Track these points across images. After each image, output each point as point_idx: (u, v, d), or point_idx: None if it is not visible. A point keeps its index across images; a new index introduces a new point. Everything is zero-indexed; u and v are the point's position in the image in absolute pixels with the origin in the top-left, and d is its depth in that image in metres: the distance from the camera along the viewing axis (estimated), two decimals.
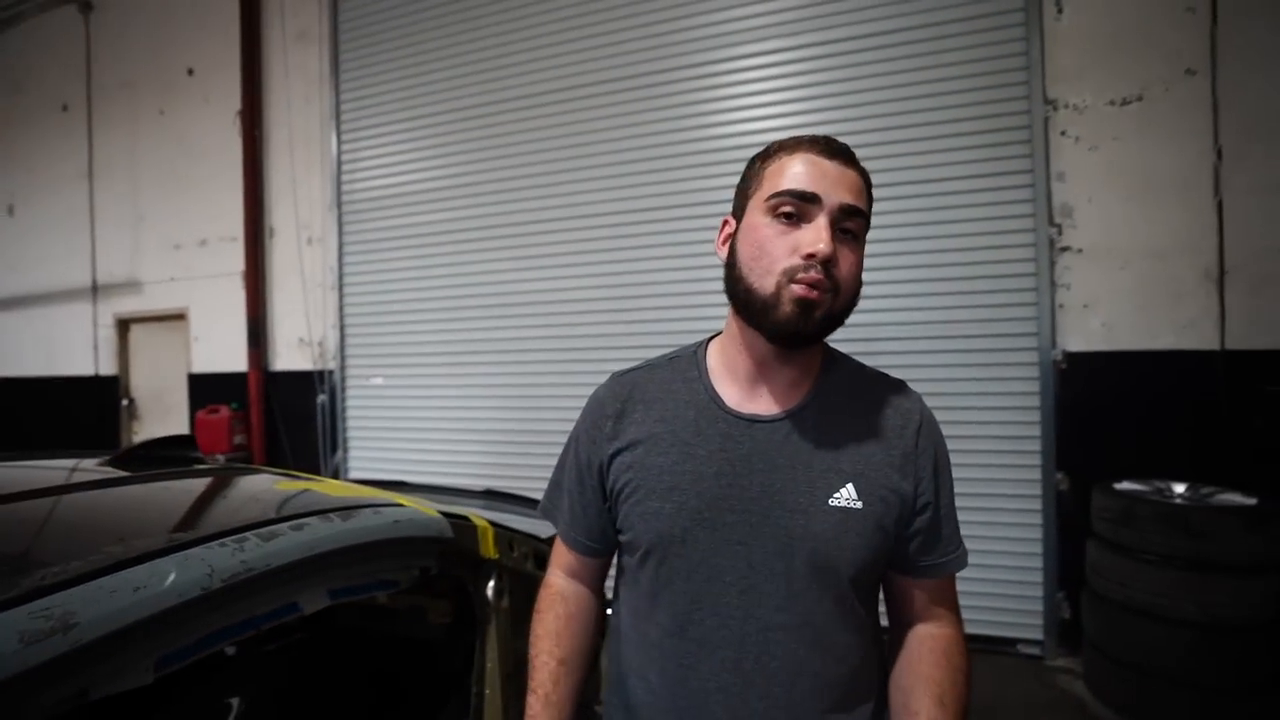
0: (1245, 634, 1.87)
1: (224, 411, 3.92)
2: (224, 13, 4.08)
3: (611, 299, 3.05)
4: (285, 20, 3.91)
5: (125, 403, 4.71)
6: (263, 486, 0.99)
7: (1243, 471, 2.18)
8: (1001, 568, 2.51)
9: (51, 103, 4.92)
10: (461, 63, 3.42)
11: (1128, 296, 2.39)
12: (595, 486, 0.77)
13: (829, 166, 0.66)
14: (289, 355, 3.98)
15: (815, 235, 0.64)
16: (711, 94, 2.93)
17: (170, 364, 4.54)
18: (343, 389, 3.77)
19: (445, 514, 1.12)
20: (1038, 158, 2.45)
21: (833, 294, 0.65)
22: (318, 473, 3.76)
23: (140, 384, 4.76)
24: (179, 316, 4.42)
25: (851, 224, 0.66)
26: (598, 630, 0.84)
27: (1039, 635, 2.50)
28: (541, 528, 1.86)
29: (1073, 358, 2.44)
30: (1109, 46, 2.39)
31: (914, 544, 0.70)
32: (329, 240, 3.79)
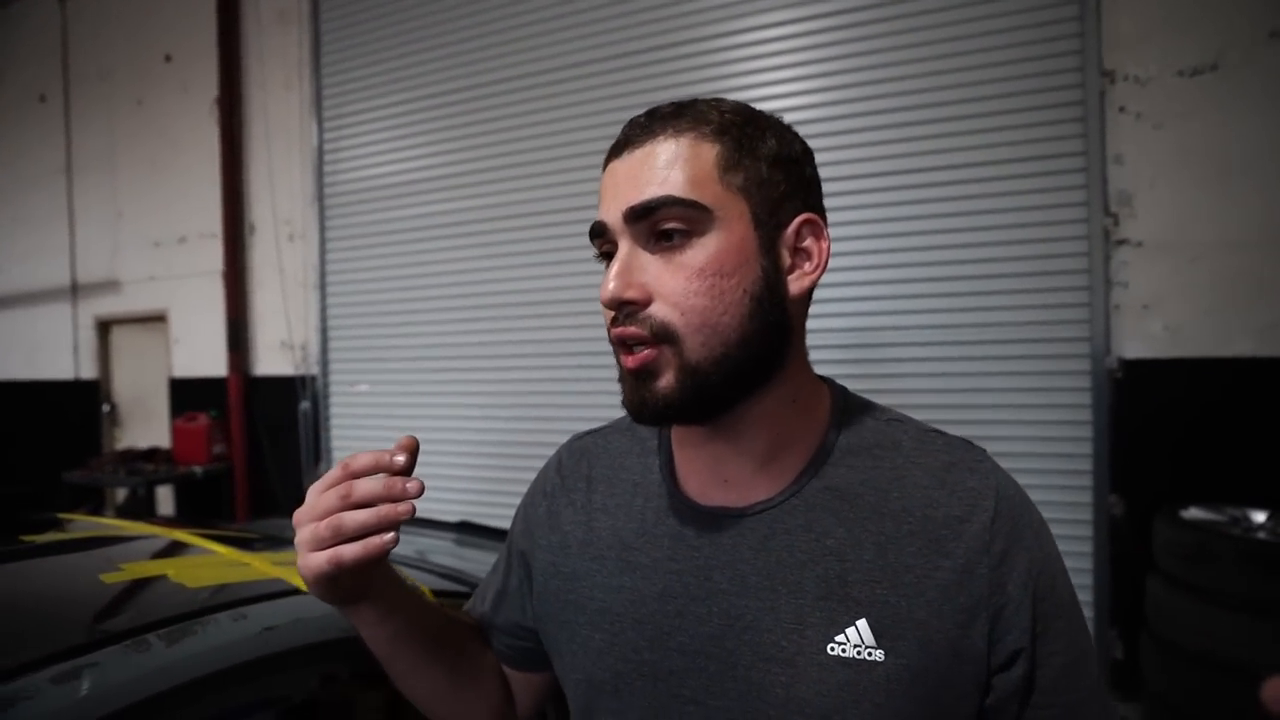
0: None
1: (202, 419, 3.70)
2: None
3: None
4: (261, 1, 3.66)
5: (106, 409, 4.51)
6: (84, 577, 0.73)
7: None
8: None
9: (29, 95, 4.71)
10: (453, 41, 3.16)
11: (1196, 296, 2.09)
12: (521, 580, 0.58)
13: (619, 167, 0.45)
14: (270, 359, 3.75)
15: (606, 278, 0.44)
16: (723, 69, 2.64)
17: (151, 368, 4.33)
18: (326, 396, 3.54)
19: None
20: (1092, 138, 2.14)
21: (669, 343, 0.43)
22: (300, 486, 3.54)
23: (122, 388, 4.56)
24: (159, 318, 4.20)
25: (663, 224, 0.43)
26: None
27: None
28: None
29: (1130, 366, 2.15)
30: (1177, 7, 2.08)
31: None
32: (310, 236, 3.55)
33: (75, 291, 4.54)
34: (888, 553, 0.44)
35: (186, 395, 4.04)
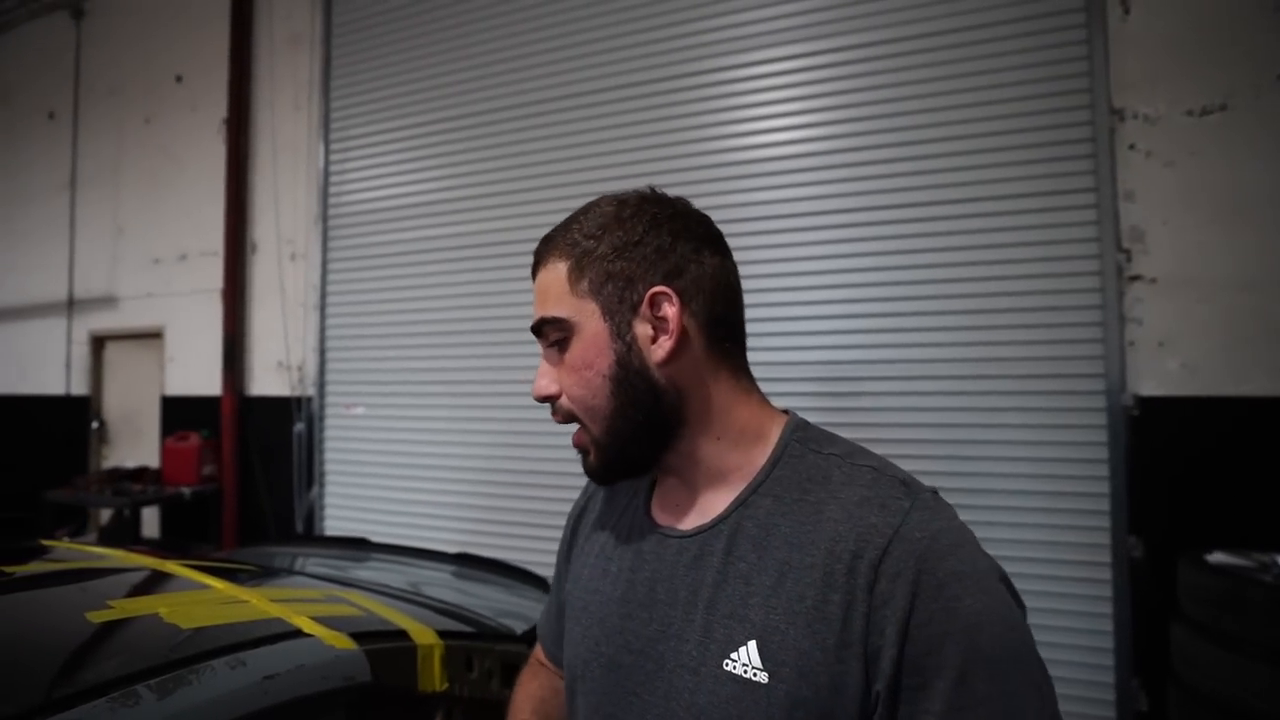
0: None
1: (193, 439, 3.61)
2: (216, 16, 3.87)
3: None
4: (276, 22, 3.70)
5: (95, 425, 4.42)
6: (70, 615, 0.67)
7: None
8: (1065, 646, 2.15)
9: (38, 111, 4.72)
10: (460, 69, 3.18)
11: (1211, 334, 2.07)
12: (563, 593, 0.68)
13: (535, 286, 0.58)
14: (266, 379, 3.68)
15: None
16: (730, 102, 2.65)
17: (144, 385, 4.26)
18: (321, 418, 3.47)
19: (373, 633, 0.80)
20: (1103, 174, 2.15)
21: (580, 424, 0.55)
22: (291, 511, 3.44)
23: (112, 405, 4.47)
24: (155, 335, 4.14)
25: (549, 336, 0.55)
26: None
27: None
28: (523, 605, 1.52)
29: (1146, 403, 2.11)
30: (1185, 49, 2.11)
31: None
32: (313, 256, 3.52)
33: (71, 306, 4.48)
34: (786, 581, 0.47)
35: (178, 414, 3.96)
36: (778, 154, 2.57)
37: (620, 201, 0.55)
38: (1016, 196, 2.23)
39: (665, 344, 0.52)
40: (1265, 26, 2.02)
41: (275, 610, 0.77)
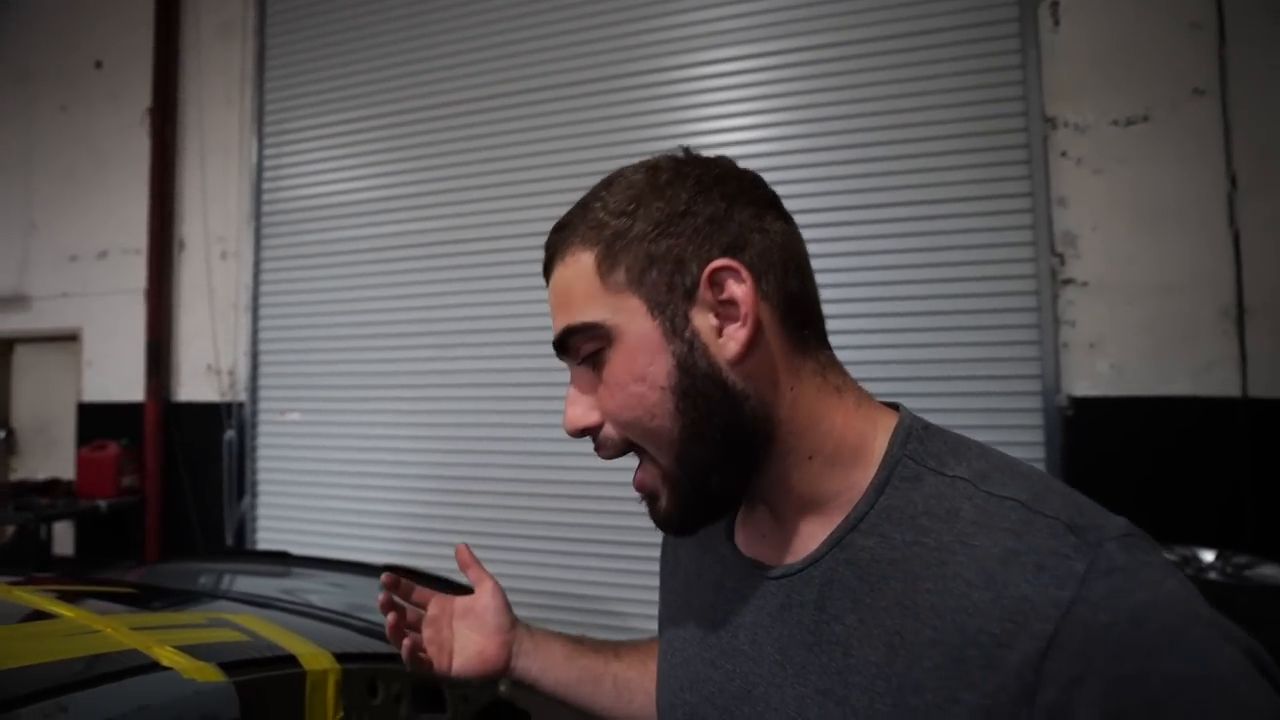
0: None
1: (111, 448, 3.37)
2: None
3: None
4: (205, 13, 3.51)
5: (2, 435, 4.08)
6: None
7: (1274, 536, 1.91)
8: None
9: None
10: (401, 61, 3.07)
11: (1138, 336, 2.14)
12: None
13: (549, 295, 0.46)
14: (194, 385, 3.47)
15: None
16: (676, 101, 2.63)
17: (58, 391, 3.96)
18: (254, 425, 3.28)
19: (250, 661, 0.72)
20: (1037, 180, 2.21)
21: (647, 456, 0.43)
22: (220, 523, 3.24)
23: (22, 413, 4.14)
24: (71, 337, 3.86)
25: (579, 351, 0.43)
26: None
27: None
28: None
29: (1079, 403, 2.17)
30: (1110, 62, 2.18)
31: None
32: (244, 255, 3.34)
33: None
34: (898, 660, 0.35)
35: (97, 422, 3.68)
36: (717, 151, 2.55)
37: (651, 168, 0.43)
38: (954, 200, 2.27)
39: (738, 335, 0.40)
40: (1182, 42, 2.11)
41: (132, 641, 0.68)
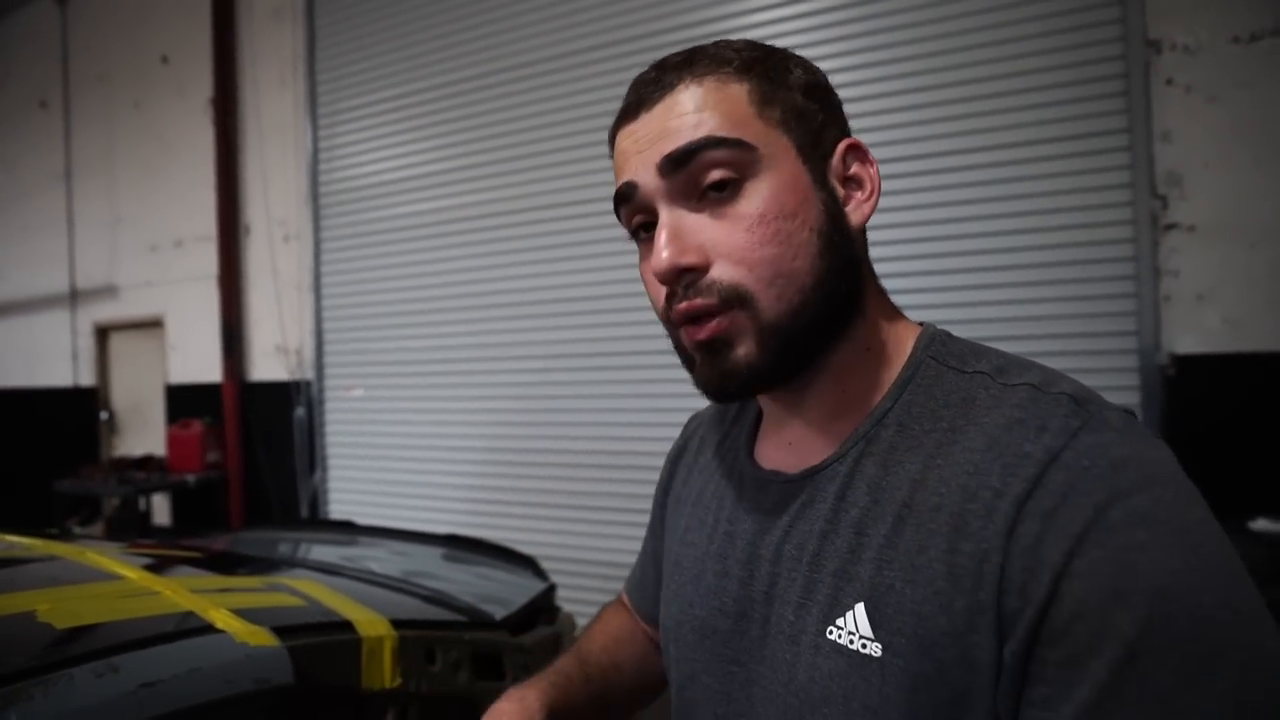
0: None
1: (196, 426, 3.59)
2: None
3: (637, 297, 2.60)
4: None
5: (105, 416, 4.42)
6: None
7: None
8: None
9: (29, 100, 4.66)
10: (449, 34, 3.04)
11: (1258, 285, 1.89)
12: (660, 541, 0.60)
13: (637, 129, 0.41)
14: (265, 364, 3.63)
15: (656, 248, 0.40)
16: None
17: (149, 374, 4.24)
18: (321, 402, 3.41)
19: (306, 626, 0.71)
20: (1136, 113, 1.96)
21: (741, 307, 0.39)
22: (295, 496, 3.40)
23: (120, 395, 4.47)
24: (156, 323, 4.11)
25: (707, 172, 0.39)
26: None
27: None
28: (508, 589, 1.43)
29: (1184, 362, 1.95)
30: None
31: None
32: (305, 237, 3.43)
33: (74, 298, 4.47)
34: (905, 527, 0.36)
35: (183, 402, 3.93)
36: None
37: (765, 44, 0.44)
38: (1042, 142, 2.06)
39: (865, 206, 0.42)
40: None
41: (189, 603, 0.67)
